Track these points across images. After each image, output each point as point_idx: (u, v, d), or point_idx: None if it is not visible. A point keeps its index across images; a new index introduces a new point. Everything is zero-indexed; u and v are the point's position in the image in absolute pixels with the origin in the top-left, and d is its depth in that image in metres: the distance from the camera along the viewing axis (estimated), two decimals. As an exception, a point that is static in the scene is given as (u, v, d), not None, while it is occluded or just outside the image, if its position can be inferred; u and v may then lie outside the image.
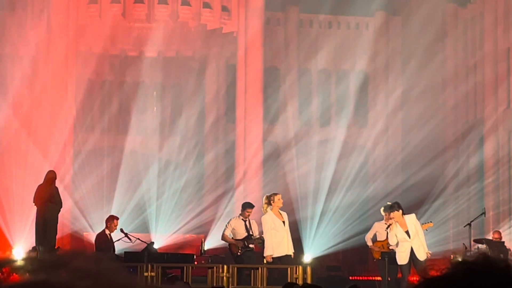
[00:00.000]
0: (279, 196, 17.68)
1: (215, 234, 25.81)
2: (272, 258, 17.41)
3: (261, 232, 19.58)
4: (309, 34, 31.22)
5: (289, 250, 17.50)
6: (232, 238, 19.08)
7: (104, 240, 18.63)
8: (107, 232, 18.78)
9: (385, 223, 18.37)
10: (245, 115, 29.81)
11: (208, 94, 30.49)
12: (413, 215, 17.20)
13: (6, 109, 28.77)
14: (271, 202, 17.49)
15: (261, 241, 18.71)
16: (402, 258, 17.01)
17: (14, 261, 1.35)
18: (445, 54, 30.76)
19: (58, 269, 1.34)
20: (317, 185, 29.34)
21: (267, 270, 17.66)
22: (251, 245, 18.87)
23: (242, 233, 18.92)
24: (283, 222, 17.58)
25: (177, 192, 28.72)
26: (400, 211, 16.80)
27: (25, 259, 1.39)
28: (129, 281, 1.35)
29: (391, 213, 16.95)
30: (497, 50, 29.14)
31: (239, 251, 18.74)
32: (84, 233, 26.92)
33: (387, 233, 17.69)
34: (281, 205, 17.71)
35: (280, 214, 17.61)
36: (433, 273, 1.65)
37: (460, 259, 1.65)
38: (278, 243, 17.38)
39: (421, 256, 16.63)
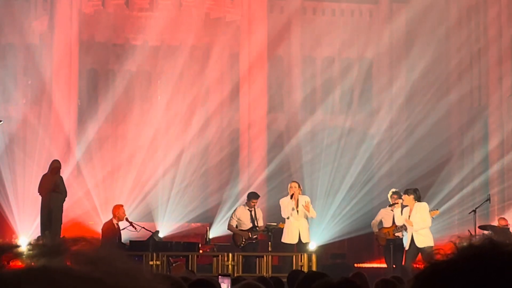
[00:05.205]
0: (290, 184, 18.20)
1: (220, 223, 25.87)
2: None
3: (266, 222, 19.72)
4: (312, 22, 31.15)
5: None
6: (237, 227, 19.17)
7: (111, 229, 18.70)
8: (114, 221, 18.85)
9: (391, 210, 18.45)
10: (248, 103, 29.80)
11: (212, 83, 30.46)
12: (423, 204, 17.34)
13: (13, 99, 28.79)
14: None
15: (266, 231, 18.83)
16: (406, 243, 17.26)
17: (16, 246, 1.34)
18: (449, 41, 30.69)
19: (58, 255, 1.33)
20: (322, 173, 29.33)
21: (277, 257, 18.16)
22: (255, 236, 19.00)
23: (247, 224, 19.03)
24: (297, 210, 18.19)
25: (181, 180, 28.75)
26: (412, 196, 16.98)
27: (26, 245, 1.38)
28: (131, 267, 1.34)
29: (403, 195, 17.23)
30: (501, 37, 29.08)
31: (243, 242, 18.84)
32: (90, 222, 26.96)
33: (393, 216, 17.96)
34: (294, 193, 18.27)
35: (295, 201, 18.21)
36: (438, 257, 1.63)
37: (466, 244, 1.64)
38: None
39: (420, 243, 16.78)
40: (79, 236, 1.36)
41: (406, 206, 17.21)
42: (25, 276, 1.27)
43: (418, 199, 17.17)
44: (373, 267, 23.51)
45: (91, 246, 1.36)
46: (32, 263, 1.34)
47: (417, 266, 17.08)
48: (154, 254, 17.17)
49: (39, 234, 19.64)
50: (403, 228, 17.90)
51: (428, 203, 18.25)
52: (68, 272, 1.27)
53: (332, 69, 31.32)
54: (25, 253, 1.35)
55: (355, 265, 24.12)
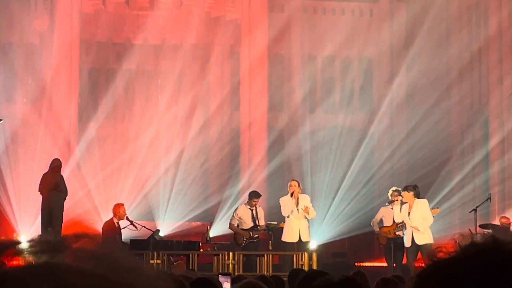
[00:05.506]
0: (290, 183, 18.24)
1: (221, 222, 25.88)
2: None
3: (266, 221, 19.71)
4: (313, 21, 31.13)
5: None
6: (238, 226, 19.16)
7: (112, 228, 18.71)
8: (115, 220, 18.87)
9: (391, 208, 18.43)
10: (249, 102, 29.79)
11: (212, 82, 30.45)
12: (423, 200, 17.33)
13: (13, 98, 28.78)
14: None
15: (266, 230, 18.84)
16: (406, 241, 17.25)
17: (17, 243, 1.34)
18: (450, 40, 30.67)
19: (60, 252, 1.32)
20: (322, 172, 29.32)
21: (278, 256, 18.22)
22: (256, 236, 19.00)
23: (248, 223, 19.01)
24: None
25: (182, 179, 28.74)
26: (412, 193, 16.97)
27: (27, 242, 1.38)
28: (134, 264, 1.33)
29: (402, 192, 17.22)
30: (502, 36, 29.06)
31: (244, 241, 18.83)
32: (90, 221, 26.96)
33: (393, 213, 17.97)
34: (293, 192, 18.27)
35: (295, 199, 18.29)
36: (441, 255, 1.63)
37: (468, 242, 1.63)
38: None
39: (419, 241, 16.77)
40: (81, 233, 1.35)
41: (406, 203, 17.20)
42: (27, 273, 1.26)
43: (418, 195, 17.16)
44: (373, 266, 23.52)
45: (93, 243, 1.35)
46: (33, 261, 1.33)
47: (419, 264, 17.09)
48: (155, 253, 17.18)
49: (40, 233, 19.63)
50: (403, 226, 17.89)
51: (429, 202, 18.23)
52: (70, 268, 1.26)
53: (333, 68, 31.30)
54: (26, 250, 1.35)
55: (356, 264, 24.13)
